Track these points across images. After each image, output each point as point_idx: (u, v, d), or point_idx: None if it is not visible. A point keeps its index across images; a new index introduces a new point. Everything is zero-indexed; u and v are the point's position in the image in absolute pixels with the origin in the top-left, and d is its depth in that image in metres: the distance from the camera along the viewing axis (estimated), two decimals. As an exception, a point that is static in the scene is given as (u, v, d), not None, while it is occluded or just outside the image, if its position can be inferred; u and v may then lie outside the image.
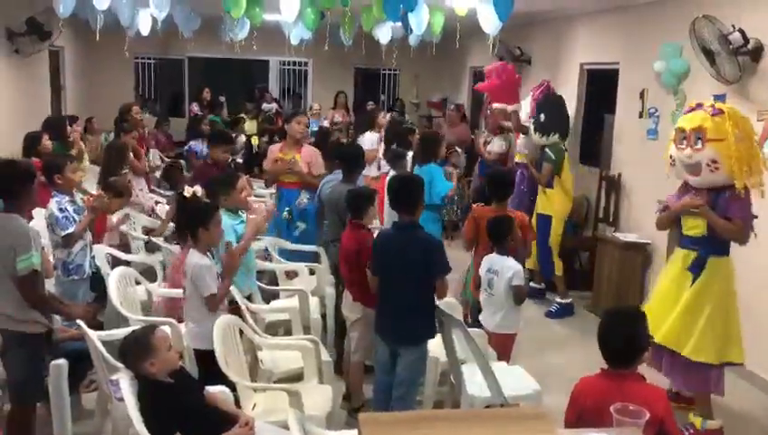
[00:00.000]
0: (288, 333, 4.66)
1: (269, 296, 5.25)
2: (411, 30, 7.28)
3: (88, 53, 11.43)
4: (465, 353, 3.85)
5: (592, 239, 7.08)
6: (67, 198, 4.53)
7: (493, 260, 4.53)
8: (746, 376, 4.95)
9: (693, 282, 4.18)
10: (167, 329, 3.50)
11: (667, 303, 4.26)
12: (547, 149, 6.71)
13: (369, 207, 4.39)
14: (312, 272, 5.54)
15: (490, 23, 6.25)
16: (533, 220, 6.53)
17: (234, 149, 7.91)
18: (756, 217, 4.17)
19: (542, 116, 6.82)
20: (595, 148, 7.91)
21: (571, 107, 7.87)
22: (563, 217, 6.74)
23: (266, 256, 5.72)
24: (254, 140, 10.87)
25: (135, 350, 2.88)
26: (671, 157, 4.30)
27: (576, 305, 6.68)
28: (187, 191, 4.30)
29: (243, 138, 10.53)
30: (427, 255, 3.73)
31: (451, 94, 12.59)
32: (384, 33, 8.58)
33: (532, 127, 6.92)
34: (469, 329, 3.81)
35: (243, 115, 11.41)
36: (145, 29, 8.37)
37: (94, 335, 3.54)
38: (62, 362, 3.72)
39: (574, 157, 7.93)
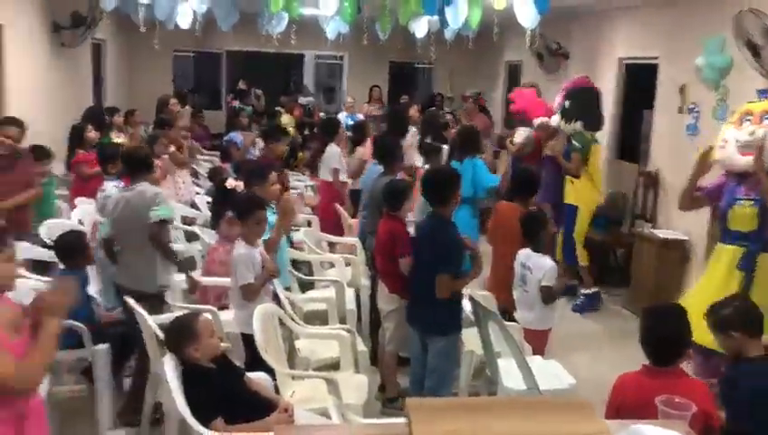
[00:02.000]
0: (324, 323, 4.72)
1: (305, 287, 5.31)
2: (447, 23, 7.27)
3: (128, 46, 11.65)
4: (500, 347, 3.86)
5: (629, 236, 7.01)
6: (122, 184, 4.70)
7: (527, 256, 4.51)
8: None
9: (745, 281, 3.93)
10: (208, 316, 3.57)
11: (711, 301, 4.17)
12: (573, 139, 6.68)
13: (405, 201, 4.42)
14: (347, 263, 5.59)
15: (528, 16, 6.22)
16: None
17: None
18: None
19: (567, 103, 6.80)
20: (633, 143, 7.82)
21: (609, 101, 7.80)
22: (591, 209, 6.70)
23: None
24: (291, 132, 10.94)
25: (180, 335, 2.95)
26: (724, 139, 4.13)
27: (612, 303, 6.64)
28: (229, 184, 4.42)
29: None
30: (437, 251, 3.75)
31: (486, 89, 12.52)
32: (420, 26, 8.57)
33: (559, 115, 6.88)
34: (505, 323, 3.82)
35: (279, 108, 11.49)
36: (184, 23, 8.49)
37: (149, 317, 3.63)
38: (105, 346, 3.85)
39: (612, 152, 7.85)
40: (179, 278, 4.80)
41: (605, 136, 7.81)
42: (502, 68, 11.91)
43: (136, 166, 4.23)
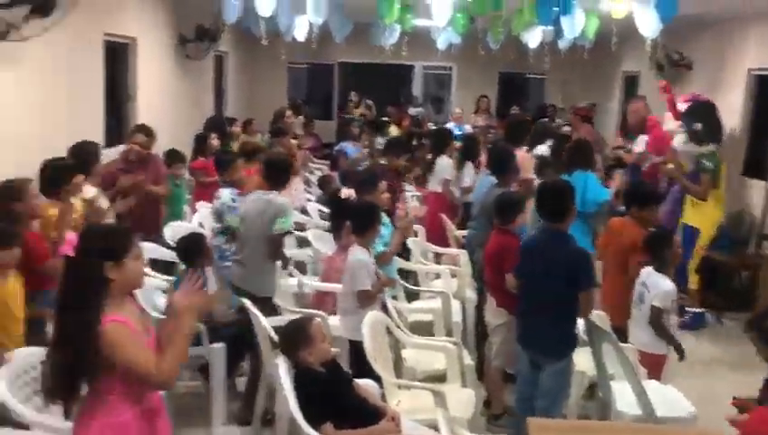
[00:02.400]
0: (429, 334, 4.70)
1: (410, 297, 5.32)
2: (562, 33, 7.10)
3: (247, 58, 12.18)
4: (614, 368, 3.70)
5: (755, 257, 6.58)
6: (237, 191, 4.89)
7: (648, 274, 4.29)
8: None
9: None
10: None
11: None
12: (704, 160, 6.26)
13: (518, 214, 4.33)
14: (453, 275, 5.54)
15: (649, 25, 5.99)
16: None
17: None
18: None
19: (698, 125, 6.37)
20: (762, 159, 7.33)
21: (736, 115, 7.37)
22: (711, 233, 6.31)
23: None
24: None
25: (295, 338, 3.02)
26: None
27: (734, 328, 6.23)
28: (344, 194, 4.51)
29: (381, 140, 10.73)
30: (572, 267, 3.59)
31: (601, 100, 12.14)
32: (533, 37, 8.43)
33: (685, 136, 6.47)
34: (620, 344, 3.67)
35: (386, 119, 11.62)
36: (301, 35, 8.77)
37: (264, 319, 3.75)
38: (221, 345, 4.00)
39: (737, 168, 7.40)
40: (291, 282, 4.96)
41: (729, 151, 7.37)
42: (618, 78, 11.51)
43: (278, 171, 4.35)
